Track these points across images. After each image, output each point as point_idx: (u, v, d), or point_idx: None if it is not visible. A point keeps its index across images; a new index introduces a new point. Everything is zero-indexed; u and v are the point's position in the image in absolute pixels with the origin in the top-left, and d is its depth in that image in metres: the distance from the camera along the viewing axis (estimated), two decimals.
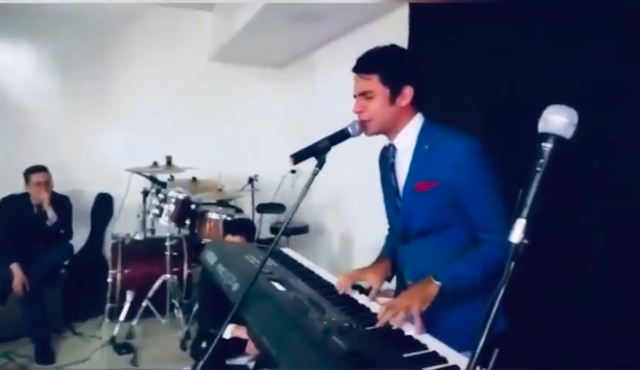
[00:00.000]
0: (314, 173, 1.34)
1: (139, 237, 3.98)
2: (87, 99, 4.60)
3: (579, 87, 1.81)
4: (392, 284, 1.67)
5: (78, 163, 4.46)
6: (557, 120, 0.76)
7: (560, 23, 1.97)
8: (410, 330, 1.23)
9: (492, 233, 1.33)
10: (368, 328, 1.23)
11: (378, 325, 1.24)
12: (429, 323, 1.26)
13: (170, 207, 3.59)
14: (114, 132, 4.72)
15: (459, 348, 1.11)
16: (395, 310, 1.25)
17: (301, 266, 1.83)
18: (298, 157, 1.38)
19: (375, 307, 1.39)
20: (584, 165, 1.78)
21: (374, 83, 1.39)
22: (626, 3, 1.71)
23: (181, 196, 3.63)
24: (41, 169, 3.68)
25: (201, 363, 1.35)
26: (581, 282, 1.92)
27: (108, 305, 3.71)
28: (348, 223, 4.15)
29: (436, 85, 2.22)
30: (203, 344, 2.29)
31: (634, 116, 1.72)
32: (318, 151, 1.36)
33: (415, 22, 2.84)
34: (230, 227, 3.11)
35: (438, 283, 1.31)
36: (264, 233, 4.70)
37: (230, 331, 2.29)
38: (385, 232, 1.75)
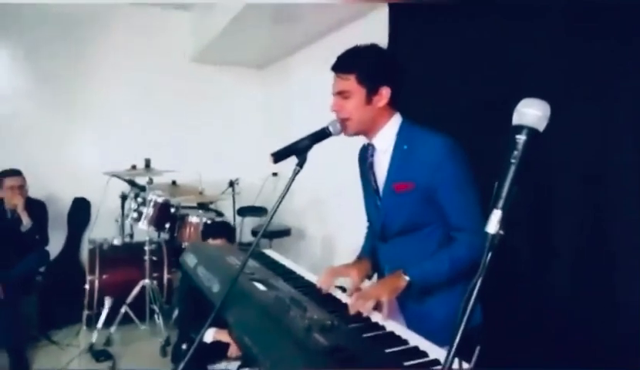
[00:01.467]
0: (296, 172, 1.34)
1: (117, 241, 3.90)
2: (63, 101, 4.50)
3: (554, 84, 1.86)
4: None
5: (53, 166, 4.35)
6: (531, 113, 0.78)
7: (537, 22, 2.01)
8: (377, 316, 1.30)
9: (463, 232, 1.38)
10: (350, 326, 1.23)
11: (350, 313, 1.31)
12: (397, 311, 1.38)
13: (149, 211, 3.53)
14: (91, 135, 4.63)
15: (429, 336, 1.17)
16: (365, 298, 1.31)
17: (283, 266, 1.82)
18: (279, 156, 1.38)
19: None
20: (555, 157, 1.82)
21: (351, 83, 1.40)
22: (600, 3, 1.75)
23: (160, 200, 3.57)
24: (15, 172, 3.58)
25: (182, 365, 1.33)
26: (553, 277, 1.96)
27: (85, 312, 3.62)
28: (330, 228, 4.15)
29: (416, 84, 2.24)
30: (184, 346, 2.25)
31: (607, 110, 1.78)
32: (298, 150, 1.36)
33: (394, 23, 2.86)
34: (210, 230, 3.07)
35: (407, 278, 1.37)
36: (246, 236, 4.67)
37: (211, 335, 2.27)
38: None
